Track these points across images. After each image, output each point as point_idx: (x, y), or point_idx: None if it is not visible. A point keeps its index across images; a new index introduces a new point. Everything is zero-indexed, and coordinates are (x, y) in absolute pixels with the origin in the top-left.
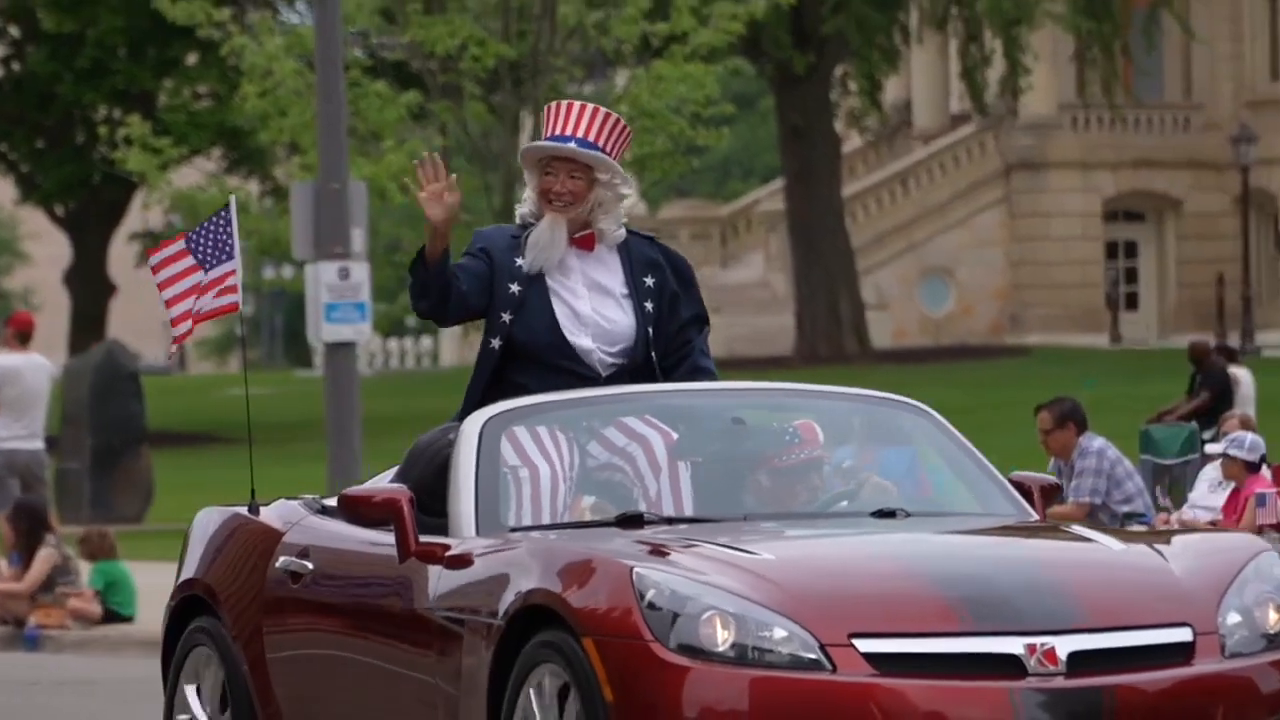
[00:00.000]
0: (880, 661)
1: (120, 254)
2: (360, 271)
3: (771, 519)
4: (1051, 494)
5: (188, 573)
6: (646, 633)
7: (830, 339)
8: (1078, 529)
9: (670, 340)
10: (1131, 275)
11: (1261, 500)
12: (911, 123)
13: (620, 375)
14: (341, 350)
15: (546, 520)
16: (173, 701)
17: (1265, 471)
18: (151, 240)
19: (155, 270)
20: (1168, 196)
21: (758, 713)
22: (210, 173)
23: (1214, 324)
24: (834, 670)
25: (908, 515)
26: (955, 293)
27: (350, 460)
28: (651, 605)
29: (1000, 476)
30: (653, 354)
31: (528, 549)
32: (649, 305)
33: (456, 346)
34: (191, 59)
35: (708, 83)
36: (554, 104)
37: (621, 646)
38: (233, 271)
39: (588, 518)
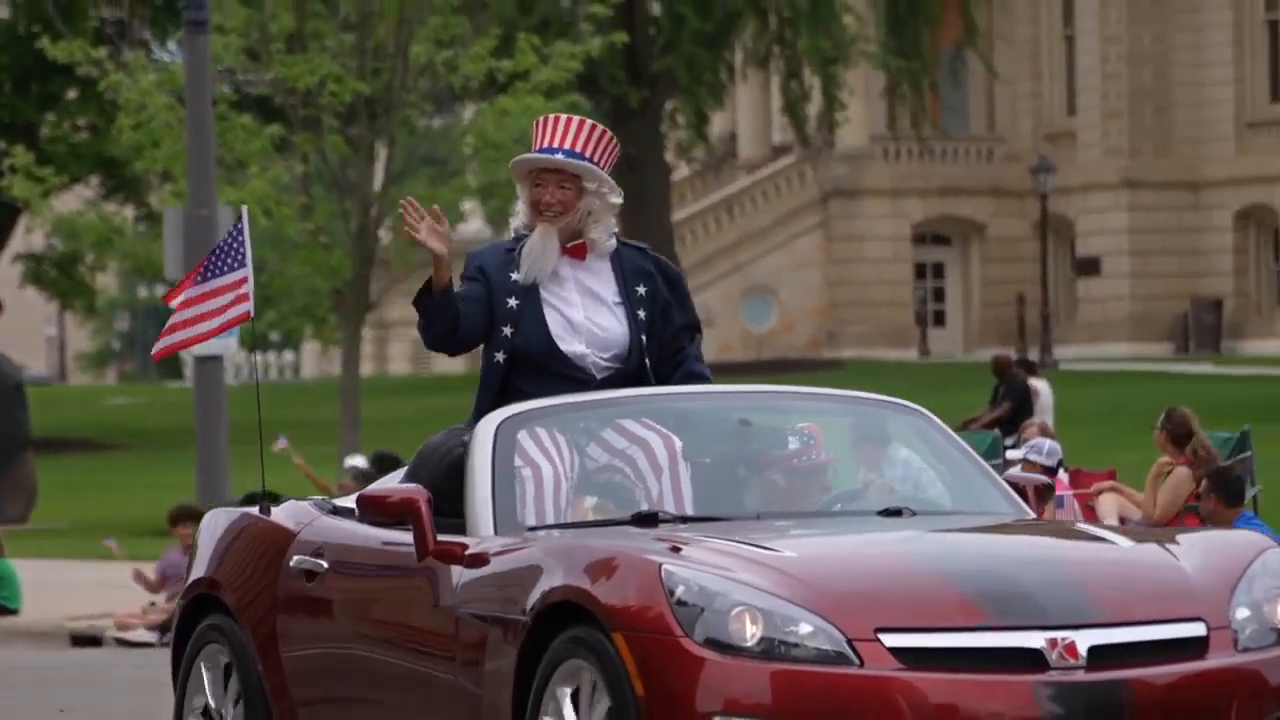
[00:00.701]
0: (906, 656)
1: (6, 274)
2: None
3: (783, 518)
4: (1045, 494)
5: (198, 572)
6: (676, 628)
7: None
8: (1084, 527)
9: (665, 347)
10: (939, 294)
11: (1060, 502)
12: (736, 153)
13: (614, 380)
14: (210, 363)
15: (551, 519)
16: (183, 698)
17: (1062, 475)
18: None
19: (170, 298)
20: (972, 222)
21: (786, 706)
22: (89, 199)
23: (1015, 339)
24: (861, 664)
25: (913, 514)
26: (776, 311)
27: (218, 465)
28: (680, 601)
29: (997, 476)
30: (646, 361)
31: (552, 547)
32: (641, 313)
33: (316, 360)
34: (72, 94)
35: None
36: (542, 118)
37: (651, 641)
38: (245, 279)
39: (590, 518)
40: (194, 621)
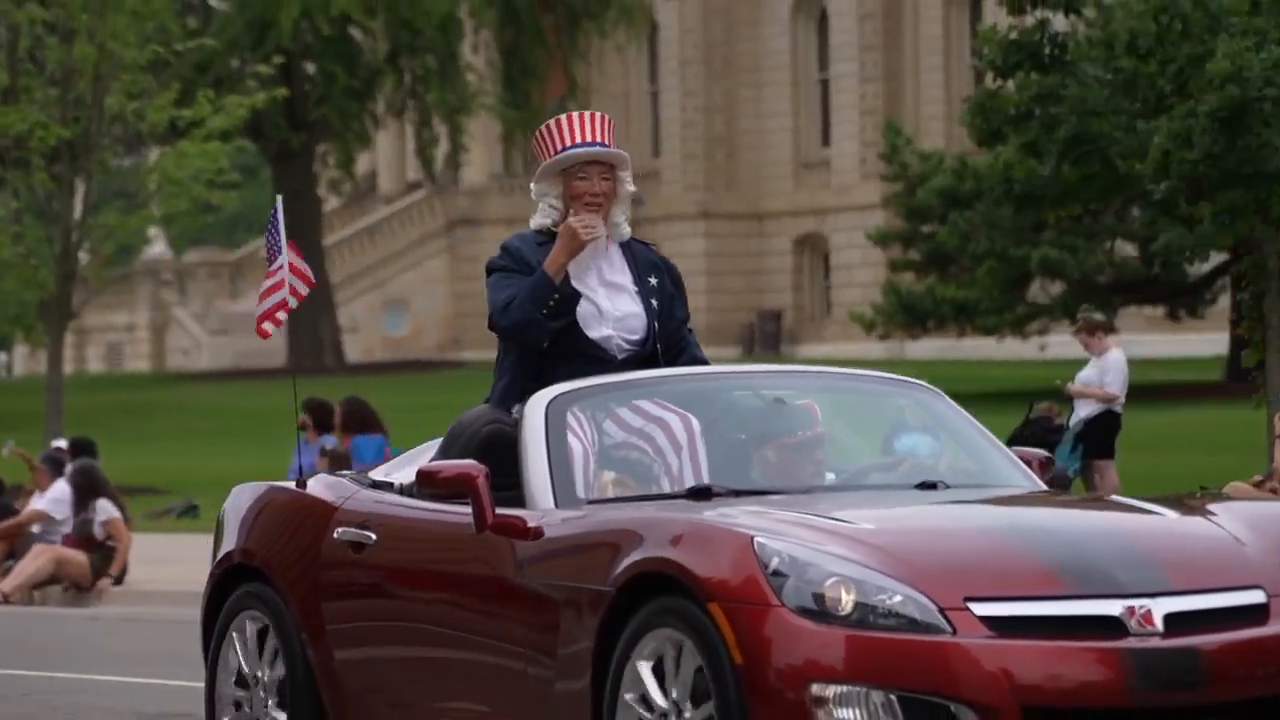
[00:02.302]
0: (996, 624)
1: None
2: None
3: (829, 492)
4: (1047, 467)
5: (229, 545)
6: (773, 598)
7: (314, 355)
8: (1127, 500)
9: (670, 336)
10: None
11: None
12: (377, 188)
13: (632, 361)
14: None
15: (582, 494)
16: (216, 662)
17: None
18: None
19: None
20: None
21: (883, 673)
22: None
23: None
24: (954, 632)
25: (948, 487)
26: (410, 320)
27: None
28: (776, 572)
29: (1008, 451)
30: (658, 346)
31: (628, 519)
32: (654, 302)
33: (25, 360)
34: None
35: (221, 157)
36: (564, 117)
37: (750, 611)
38: (281, 267)
39: (610, 493)
40: (225, 592)
